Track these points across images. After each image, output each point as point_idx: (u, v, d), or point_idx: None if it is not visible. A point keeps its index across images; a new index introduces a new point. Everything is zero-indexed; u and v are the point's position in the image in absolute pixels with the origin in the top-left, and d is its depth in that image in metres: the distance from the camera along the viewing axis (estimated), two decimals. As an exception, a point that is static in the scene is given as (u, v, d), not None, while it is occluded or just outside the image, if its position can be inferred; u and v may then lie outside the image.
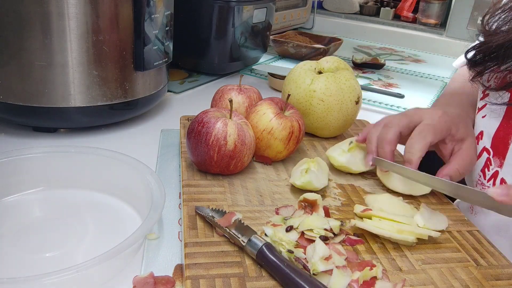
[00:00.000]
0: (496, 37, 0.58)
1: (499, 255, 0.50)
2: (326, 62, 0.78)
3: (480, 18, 0.63)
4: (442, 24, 1.86)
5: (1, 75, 0.68)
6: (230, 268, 0.44)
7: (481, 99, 0.66)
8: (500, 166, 0.62)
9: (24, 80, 0.68)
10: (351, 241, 0.50)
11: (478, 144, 0.65)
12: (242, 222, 0.50)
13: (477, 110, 0.68)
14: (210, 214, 0.52)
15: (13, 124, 0.77)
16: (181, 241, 0.53)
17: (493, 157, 0.63)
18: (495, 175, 0.63)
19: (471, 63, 0.62)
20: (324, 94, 0.72)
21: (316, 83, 0.73)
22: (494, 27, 0.60)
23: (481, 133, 0.65)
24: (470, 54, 0.63)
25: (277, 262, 0.44)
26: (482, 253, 0.50)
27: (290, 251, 0.46)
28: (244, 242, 0.47)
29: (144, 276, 0.46)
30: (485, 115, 0.65)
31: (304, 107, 0.74)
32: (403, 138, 0.61)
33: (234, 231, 0.48)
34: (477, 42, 0.63)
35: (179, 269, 0.49)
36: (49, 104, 0.70)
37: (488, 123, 0.64)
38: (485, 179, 0.65)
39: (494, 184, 0.63)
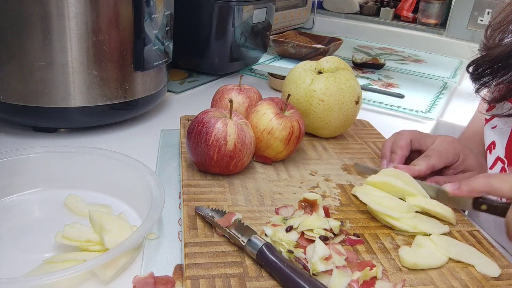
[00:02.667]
0: (497, 49, 0.59)
1: (499, 255, 0.50)
2: (326, 62, 0.78)
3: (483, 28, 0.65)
4: (442, 24, 1.86)
5: (1, 75, 0.68)
6: (230, 268, 0.44)
7: (487, 110, 0.67)
8: None
9: (24, 80, 0.68)
10: (351, 241, 0.50)
11: (490, 154, 0.65)
12: (242, 222, 0.50)
13: (484, 122, 0.68)
14: (210, 214, 0.52)
15: (13, 124, 0.77)
16: (181, 241, 0.53)
17: (508, 166, 0.62)
18: None
19: (474, 77, 0.64)
20: (324, 94, 0.72)
21: (316, 83, 0.72)
22: (497, 40, 0.61)
23: (493, 143, 0.65)
24: (471, 68, 0.64)
25: (277, 262, 0.44)
26: (482, 254, 0.50)
27: (290, 251, 0.47)
28: (244, 242, 0.47)
29: (144, 276, 0.46)
30: (496, 125, 0.66)
31: (304, 107, 0.73)
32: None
33: (234, 231, 0.48)
34: (478, 55, 0.64)
35: (179, 269, 0.49)
36: (49, 104, 0.70)
37: (499, 132, 0.65)
38: None
39: None
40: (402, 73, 1.41)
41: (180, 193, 0.63)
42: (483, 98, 0.64)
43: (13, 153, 0.58)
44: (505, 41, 0.60)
